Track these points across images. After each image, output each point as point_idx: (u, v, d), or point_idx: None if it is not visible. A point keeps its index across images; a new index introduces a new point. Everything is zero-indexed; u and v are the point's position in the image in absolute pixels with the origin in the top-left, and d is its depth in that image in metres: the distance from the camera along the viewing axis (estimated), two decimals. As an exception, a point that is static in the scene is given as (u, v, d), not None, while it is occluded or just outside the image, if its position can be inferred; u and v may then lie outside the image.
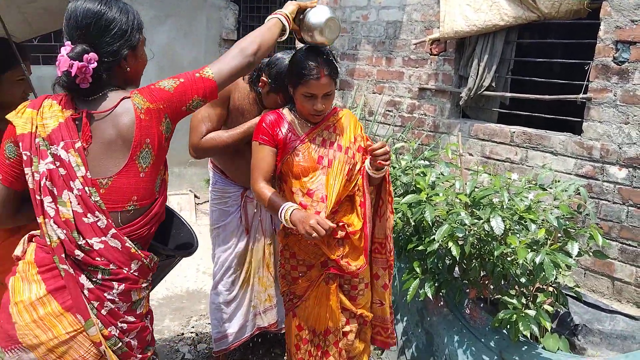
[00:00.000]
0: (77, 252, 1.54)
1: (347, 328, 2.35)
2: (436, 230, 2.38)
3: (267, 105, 2.47)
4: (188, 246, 2.00)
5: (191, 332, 3.39)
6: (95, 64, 1.52)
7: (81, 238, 1.54)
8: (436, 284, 2.56)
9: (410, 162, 3.00)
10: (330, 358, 2.31)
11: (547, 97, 3.42)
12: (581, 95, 3.17)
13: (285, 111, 2.24)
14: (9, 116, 1.58)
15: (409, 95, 4.29)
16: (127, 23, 1.61)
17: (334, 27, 2.07)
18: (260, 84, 2.43)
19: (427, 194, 2.54)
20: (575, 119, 3.31)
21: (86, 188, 1.54)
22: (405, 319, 2.95)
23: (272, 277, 2.83)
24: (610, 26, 3.02)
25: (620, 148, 3.02)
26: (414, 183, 2.75)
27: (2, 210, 1.62)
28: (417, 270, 2.58)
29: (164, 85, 1.63)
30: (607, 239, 3.03)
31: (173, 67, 5.77)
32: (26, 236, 1.64)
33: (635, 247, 2.98)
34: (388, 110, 4.47)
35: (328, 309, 2.27)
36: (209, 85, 1.68)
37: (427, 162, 3.04)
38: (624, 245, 3.04)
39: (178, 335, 3.35)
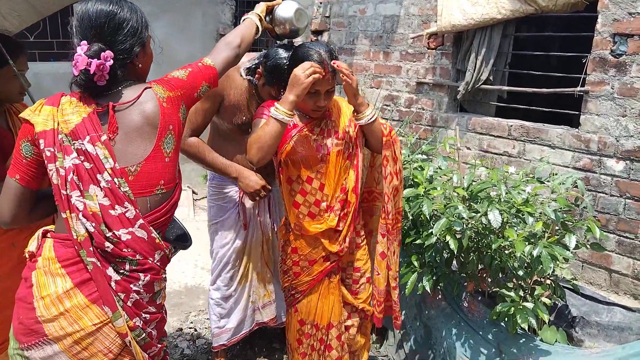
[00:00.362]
0: (107, 243, 1.56)
1: (348, 322, 2.37)
2: (434, 224, 2.39)
3: (262, 97, 2.48)
4: (184, 239, 2.01)
5: (190, 328, 3.39)
6: (112, 61, 1.56)
7: (108, 230, 1.56)
8: (434, 278, 2.57)
9: (408, 156, 3.00)
10: (333, 352, 2.32)
11: (544, 90, 3.42)
12: (579, 88, 3.16)
13: None
14: (24, 114, 1.58)
15: (406, 89, 4.28)
16: (138, 21, 1.66)
17: (303, 16, 2.25)
18: (256, 76, 2.43)
19: (425, 188, 2.54)
20: (573, 112, 3.31)
21: (115, 179, 1.56)
22: (403, 312, 2.95)
23: (271, 272, 2.83)
24: (607, 19, 3.02)
25: (617, 141, 3.02)
26: (411, 177, 2.75)
27: (19, 209, 1.63)
28: (415, 264, 2.58)
29: (177, 75, 1.74)
30: (604, 231, 3.04)
31: (169, 63, 5.68)
32: (39, 231, 1.65)
33: (633, 239, 2.99)
34: (386, 105, 4.47)
35: (330, 303, 2.28)
36: (213, 72, 1.83)
37: (424, 156, 3.04)
38: (621, 238, 3.04)
39: (177, 331, 3.36)
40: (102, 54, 1.54)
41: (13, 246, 2.08)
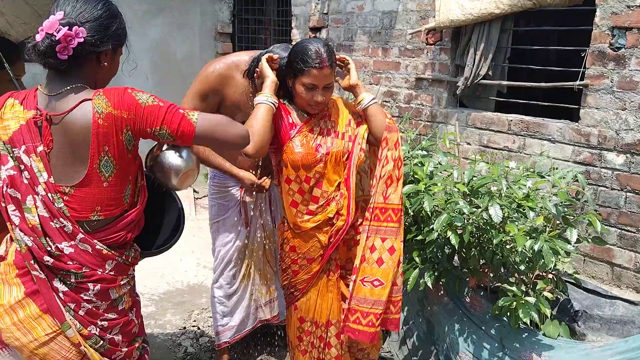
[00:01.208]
0: (47, 257, 1.51)
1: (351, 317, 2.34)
2: (435, 220, 2.39)
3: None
4: (168, 239, 1.94)
5: (193, 326, 3.40)
6: (83, 39, 1.47)
7: (51, 243, 1.51)
8: (436, 274, 2.57)
9: (408, 152, 2.99)
10: (332, 349, 2.32)
11: (544, 84, 3.42)
12: (578, 82, 3.16)
13: (286, 102, 2.25)
14: None
15: (405, 85, 4.28)
16: (119, 25, 1.61)
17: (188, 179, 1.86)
18: (255, 75, 2.43)
19: (426, 184, 2.54)
20: (573, 106, 3.31)
21: (49, 194, 1.49)
22: (406, 308, 2.96)
23: (273, 270, 2.84)
24: (606, 12, 3.01)
25: (617, 134, 3.02)
26: (412, 173, 2.75)
27: None
28: (417, 260, 2.58)
29: (139, 97, 1.55)
30: (605, 225, 3.04)
31: (167, 62, 5.75)
32: (8, 235, 1.60)
33: (634, 232, 2.99)
34: (385, 101, 4.46)
35: (329, 300, 2.27)
36: (187, 129, 1.58)
37: (425, 152, 3.04)
38: (622, 231, 3.05)
39: (180, 330, 3.36)
40: (75, 27, 1.46)
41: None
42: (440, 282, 2.66)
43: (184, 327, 3.39)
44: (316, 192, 2.19)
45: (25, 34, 2.31)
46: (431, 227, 2.44)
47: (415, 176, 2.70)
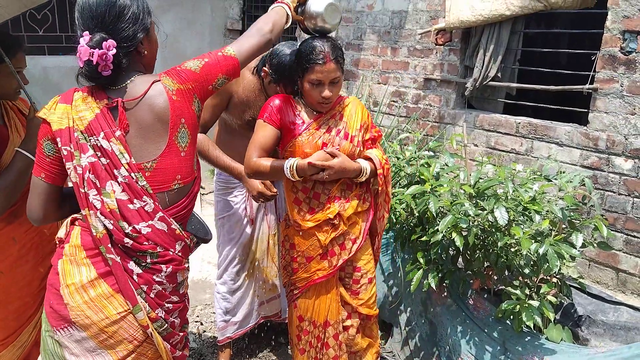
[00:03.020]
0: (126, 239, 1.58)
1: (348, 322, 2.34)
2: (440, 221, 2.38)
3: (270, 95, 2.48)
4: (204, 233, 2.01)
5: (196, 321, 3.41)
6: (115, 50, 1.54)
7: (127, 226, 1.57)
8: (440, 275, 2.56)
9: (415, 152, 2.99)
10: (330, 350, 2.32)
11: (553, 87, 3.40)
12: (587, 86, 3.14)
13: (296, 98, 2.25)
14: (40, 113, 1.60)
15: (414, 85, 4.27)
16: (139, 7, 1.63)
17: (335, 12, 2.13)
18: (263, 74, 2.44)
19: (432, 185, 2.54)
20: (581, 110, 3.29)
21: (132, 174, 1.57)
22: (409, 309, 2.96)
23: (277, 267, 2.85)
24: (617, 16, 2.99)
25: (626, 139, 3.00)
26: (418, 174, 2.75)
27: (49, 206, 1.64)
28: (421, 260, 2.58)
29: (190, 66, 1.67)
30: (612, 230, 3.02)
31: (177, 58, 5.71)
32: (68, 219, 1.67)
33: (640, 238, 2.97)
34: (393, 101, 4.46)
35: (327, 301, 2.27)
36: (232, 63, 1.73)
37: (431, 153, 3.04)
38: (628, 237, 3.03)
39: (183, 325, 3.38)
40: (104, 43, 1.52)
41: (13, 240, 2.07)
42: (444, 284, 2.65)
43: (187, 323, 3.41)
44: (318, 188, 2.20)
45: (1, 17, 2.25)
46: (436, 228, 2.44)
47: (422, 177, 2.70)
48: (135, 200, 1.58)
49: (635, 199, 2.99)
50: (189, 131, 1.65)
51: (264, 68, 2.41)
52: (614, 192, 3.07)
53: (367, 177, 2.22)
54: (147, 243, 1.60)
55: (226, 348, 2.89)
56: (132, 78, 1.62)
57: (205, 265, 4.25)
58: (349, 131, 2.21)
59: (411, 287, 2.56)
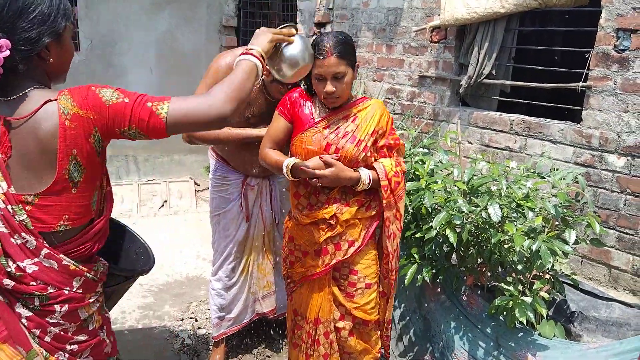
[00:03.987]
0: (6, 281, 1.37)
1: (340, 324, 2.29)
2: (434, 218, 2.39)
3: (272, 94, 2.49)
4: (144, 262, 1.88)
5: (191, 318, 3.42)
6: (8, 52, 1.31)
7: (11, 263, 1.36)
8: (433, 271, 2.58)
9: (410, 149, 3.00)
10: (320, 347, 2.31)
11: (547, 85, 3.41)
12: (581, 84, 3.16)
13: (313, 94, 2.24)
14: None
15: (409, 83, 4.28)
16: (51, 7, 1.39)
17: (307, 58, 1.98)
18: (264, 72, 2.44)
19: (426, 182, 2.55)
20: (575, 107, 3.31)
21: (9, 206, 1.34)
22: (402, 305, 2.97)
23: (272, 264, 2.86)
24: (611, 14, 3.00)
25: (619, 136, 3.02)
26: (412, 170, 2.76)
27: None
28: (415, 256, 2.59)
29: (103, 94, 1.41)
30: (604, 227, 3.04)
31: (173, 54, 5.75)
32: None
33: (633, 235, 2.99)
34: (388, 98, 4.46)
35: (319, 299, 2.27)
36: (156, 124, 1.44)
37: (426, 150, 3.05)
38: (621, 234, 3.05)
39: (178, 321, 3.38)
40: None
41: None
42: (438, 280, 2.67)
43: (182, 319, 3.41)
44: (318, 187, 2.20)
45: None
46: (430, 224, 2.45)
47: (416, 173, 2.71)
48: (15, 236, 1.36)
49: (627, 196, 3.01)
50: (82, 165, 1.40)
51: (265, 67, 2.41)
52: (607, 190, 3.09)
53: (367, 187, 2.15)
54: (34, 283, 1.39)
55: (221, 344, 2.90)
56: (28, 90, 1.38)
57: (200, 262, 4.26)
58: (358, 134, 2.14)
59: (405, 281, 2.57)
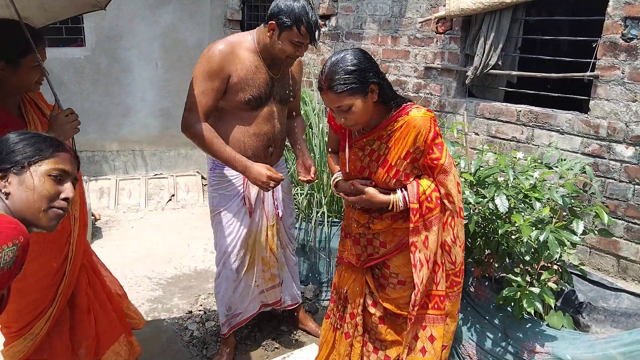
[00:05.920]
0: None
1: (372, 310, 2.26)
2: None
3: (280, 56, 2.45)
4: None
5: (199, 310, 3.44)
6: None
7: None
8: (441, 263, 2.58)
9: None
10: (345, 326, 2.34)
11: (553, 75, 3.39)
12: (588, 73, 3.14)
13: None
14: None
15: (414, 74, 4.26)
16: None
17: None
18: (269, 32, 2.42)
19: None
20: (582, 97, 3.28)
21: None
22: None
23: (276, 257, 2.84)
24: (619, 2, 2.98)
25: (627, 126, 3.00)
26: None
27: None
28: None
29: None
30: (612, 217, 3.03)
31: (177, 48, 5.75)
32: None
33: (641, 225, 2.98)
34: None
35: (350, 280, 2.30)
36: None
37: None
38: (629, 224, 3.04)
39: (187, 314, 3.40)
40: None
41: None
42: (445, 272, 2.67)
43: (191, 312, 3.43)
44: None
45: (47, 20, 2.34)
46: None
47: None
48: None
49: (636, 186, 2.99)
50: None
51: (270, 23, 2.38)
52: (615, 180, 3.07)
53: (403, 208, 2.03)
54: None
55: (229, 337, 2.91)
56: None
57: (208, 255, 4.28)
58: (390, 158, 2.01)
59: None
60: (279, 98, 2.65)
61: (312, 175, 2.67)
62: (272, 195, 2.76)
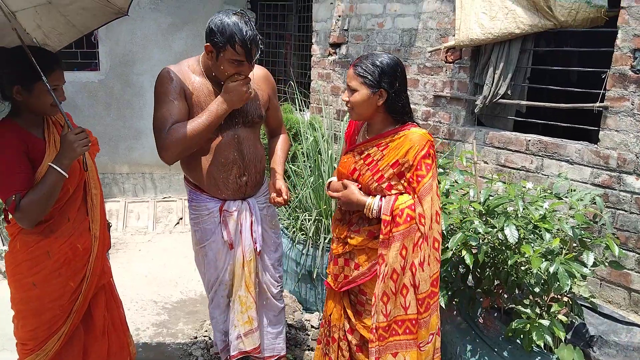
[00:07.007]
0: None
1: (349, 337, 2.26)
2: (450, 239, 2.38)
3: (223, 78, 2.29)
4: None
5: (204, 336, 3.41)
6: None
7: None
8: (449, 293, 2.55)
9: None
10: (331, 347, 2.34)
11: (563, 105, 3.40)
12: (598, 104, 3.14)
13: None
14: None
15: (424, 102, 4.28)
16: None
17: None
18: (208, 56, 2.29)
19: (441, 202, 2.54)
20: (592, 128, 3.28)
21: None
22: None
23: (253, 298, 2.60)
24: (628, 34, 3.00)
25: (637, 157, 2.99)
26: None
27: None
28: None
29: None
30: (623, 249, 2.99)
31: (190, 73, 5.85)
32: None
33: (653, 257, 2.94)
34: (403, 118, 4.47)
35: (332, 304, 2.33)
36: None
37: (441, 170, 3.04)
38: (641, 256, 3.00)
39: (191, 339, 3.37)
40: None
41: (47, 254, 2.13)
42: (454, 302, 2.64)
43: (195, 337, 3.40)
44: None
45: (61, 44, 2.38)
46: (446, 245, 2.43)
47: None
48: None
49: (647, 218, 2.96)
50: None
51: (206, 45, 2.25)
52: (626, 211, 3.05)
53: (375, 215, 2.07)
54: None
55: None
56: None
57: (214, 280, 4.26)
58: (380, 164, 2.09)
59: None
60: (243, 121, 2.45)
61: (285, 197, 2.51)
62: (251, 227, 2.55)
